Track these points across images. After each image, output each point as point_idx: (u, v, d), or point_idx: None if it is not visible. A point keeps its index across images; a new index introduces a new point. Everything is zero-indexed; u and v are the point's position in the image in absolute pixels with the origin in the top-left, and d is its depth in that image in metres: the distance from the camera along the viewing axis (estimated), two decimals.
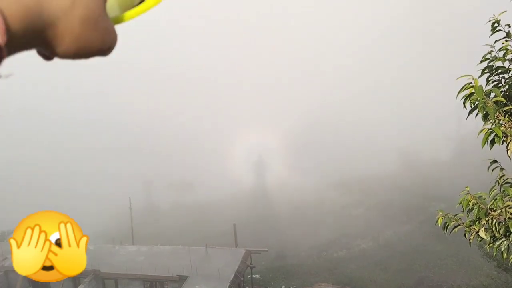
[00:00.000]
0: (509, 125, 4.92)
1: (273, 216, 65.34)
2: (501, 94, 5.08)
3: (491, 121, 4.98)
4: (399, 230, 56.83)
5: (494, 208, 5.91)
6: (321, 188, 74.07)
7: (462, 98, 5.00)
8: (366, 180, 74.92)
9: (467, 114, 5.17)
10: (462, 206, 6.05)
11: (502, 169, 6.14)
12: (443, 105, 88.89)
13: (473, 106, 5.01)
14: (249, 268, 34.50)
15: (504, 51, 5.55)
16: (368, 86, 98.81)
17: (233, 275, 30.96)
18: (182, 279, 31.04)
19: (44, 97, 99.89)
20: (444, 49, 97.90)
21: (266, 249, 36.74)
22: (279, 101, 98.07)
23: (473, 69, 5.65)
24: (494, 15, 5.52)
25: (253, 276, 36.67)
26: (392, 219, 60.05)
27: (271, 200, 72.76)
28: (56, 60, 0.73)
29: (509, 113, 5.20)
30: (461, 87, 4.88)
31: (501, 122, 4.96)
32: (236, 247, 36.64)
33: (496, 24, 5.50)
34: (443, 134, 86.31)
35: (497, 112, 4.89)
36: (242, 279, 32.72)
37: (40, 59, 0.73)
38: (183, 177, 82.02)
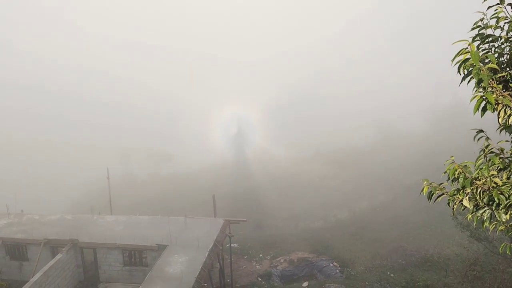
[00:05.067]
0: (501, 93, 4.87)
1: (252, 187, 65.75)
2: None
3: (481, 88, 4.91)
4: (375, 201, 58.00)
5: (479, 177, 5.93)
6: (299, 161, 74.66)
7: (457, 63, 4.91)
8: (344, 152, 75.76)
9: (460, 81, 5.09)
10: (448, 175, 6.04)
11: (487, 138, 6.15)
12: (423, 78, 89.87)
13: (466, 72, 4.92)
14: (228, 237, 34.78)
15: (496, 18, 5.45)
16: (348, 59, 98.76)
17: (212, 244, 31.18)
18: (161, 248, 31.11)
19: (20, 69, 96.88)
20: (431, 22, 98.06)
21: (245, 219, 37.01)
22: (259, 74, 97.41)
23: (463, 37, 5.54)
24: None
25: (231, 245, 37.02)
26: (368, 190, 61.16)
27: (250, 171, 73.07)
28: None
29: (499, 81, 5.15)
30: (457, 52, 4.77)
31: (493, 89, 4.90)
32: (215, 217, 36.80)
33: None
34: (420, 107, 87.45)
35: (490, 79, 4.82)
36: (221, 248, 33.00)
37: None
38: (162, 148, 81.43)
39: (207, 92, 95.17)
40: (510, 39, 5.58)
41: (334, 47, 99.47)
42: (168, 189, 67.89)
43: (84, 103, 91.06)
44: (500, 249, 6.99)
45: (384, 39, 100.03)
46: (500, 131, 5.72)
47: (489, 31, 5.63)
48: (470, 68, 4.83)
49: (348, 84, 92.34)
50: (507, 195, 5.56)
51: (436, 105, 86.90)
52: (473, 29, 5.72)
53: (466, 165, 6.15)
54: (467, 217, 6.39)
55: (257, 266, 40.83)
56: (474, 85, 4.98)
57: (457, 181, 6.08)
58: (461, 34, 5.73)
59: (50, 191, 61.84)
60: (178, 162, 76.45)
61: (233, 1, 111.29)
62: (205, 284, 27.72)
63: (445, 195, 6.33)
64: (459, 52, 4.83)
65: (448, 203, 6.33)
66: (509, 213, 5.65)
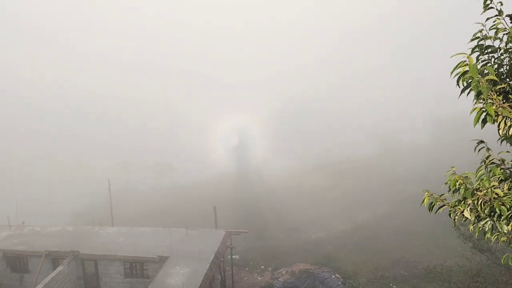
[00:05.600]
0: (500, 104, 4.89)
1: (253, 198, 65.60)
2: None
3: (481, 100, 4.93)
4: (377, 212, 57.78)
5: (480, 188, 5.93)
6: (300, 172, 74.58)
7: (456, 75, 4.94)
8: (345, 163, 75.70)
9: (460, 93, 5.12)
10: (449, 186, 6.05)
11: (488, 149, 6.16)
12: (424, 88, 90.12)
13: (465, 85, 4.95)
14: (229, 249, 34.64)
15: (495, 29, 5.49)
16: (349, 73, 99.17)
17: (213, 255, 31.04)
18: (162, 259, 30.99)
19: (22, 86, 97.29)
20: (431, 35, 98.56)
21: (246, 231, 36.90)
22: (261, 86, 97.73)
23: (461, 50, 5.58)
24: None
25: (233, 256, 36.86)
26: (370, 201, 60.98)
27: (251, 183, 72.97)
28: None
29: (498, 92, 5.17)
30: (456, 65, 4.80)
31: (492, 101, 4.92)
32: (216, 228, 36.67)
33: (488, 1, 5.43)
34: (421, 118, 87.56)
35: (490, 91, 4.84)
36: (222, 259, 32.87)
37: None
38: (162, 160, 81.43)
39: (208, 105, 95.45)
40: (509, 50, 5.62)
41: (335, 61, 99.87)
42: (169, 201, 67.73)
43: (83, 118, 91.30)
44: (502, 260, 6.97)
45: (385, 52, 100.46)
46: (501, 142, 5.73)
47: (488, 42, 5.68)
48: (469, 80, 4.86)
49: (348, 97, 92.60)
50: (508, 206, 5.56)
51: (437, 116, 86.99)
52: (472, 40, 5.76)
53: (467, 176, 6.15)
54: (469, 228, 6.37)
55: (259, 278, 40.60)
56: (473, 97, 5.01)
57: (458, 192, 6.08)
58: (461, 45, 5.77)
59: (52, 203, 61.72)
60: (179, 173, 76.37)
61: (235, 14, 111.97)
62: None
63: (446, 206, 6.33)
64: (457, 65, 4.87)
65: (449, 214, 6.32)
66: (510, 224, 5.64)
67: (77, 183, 68.75)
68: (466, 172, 6.14)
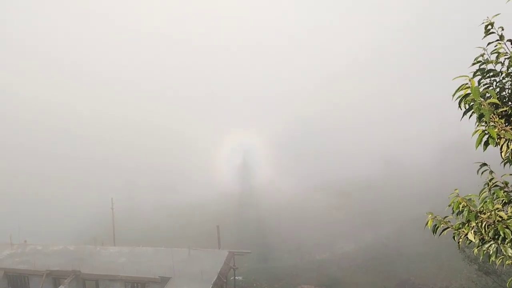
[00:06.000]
0: (503, 127, 4.92)
1: (257, 218, 65.27)
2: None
3: (483, 122, 4.96)
4: (381, 232, 57.30)
5: (484, 211, 5.91)
6: (304, 191, 74.30)
7: (457, 98, 4.98)
8: (349, 183, 75.40)
9: (462, 115, 5.15)
10: (452, 208, 6.03)
11: (491, 172, 6.16)
12: (427, 112, 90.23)
13: (467, 107, 4.99)
14: (232, 269, 34.33)
15: (497, 54, 5.56)
16: (356, 91, 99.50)
17: (216, 276, 30.75)
18: (164, 280, 30.70)
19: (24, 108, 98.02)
20: (434, 56, 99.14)
21: (249, 251, 36.61)
22: (265, 104, 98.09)
23: (465, 73, 5.64)
24: (487, 17, 5.53)
25: (236, 277, 36.50)
26: (374, 221, 60.53)
27: (255, 202, 72.69)
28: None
29: (501, 115, 5.20)
30: (457, 87, 4.85)
31: (494, 123, 4.95)
32: (219, 248, 36.41)
33: (489, 27, 5.51)
34: (425, 139, 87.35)
35: (492, 114, 4.88)
36: (225, 281, 32.54)
37: None
38: (165, 178, 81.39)
39: (213, 124, 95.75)
40: (511, 74, 5.67)
41: (341, 84, 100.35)
42: (172, 219, 67.49)
43: (88, 139, 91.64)
44: (507, 283, 6.89)
45: (390, 75, 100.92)
46: (504, 165, 5.73)
47: (490, 66, 5.73)
48: (471, 103, 4.90)
49: (353, 119, 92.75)
50: None
51: (441, 137, 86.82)
52: (474, 64, 5.82)
53: (470, 198, 6.14)
54: (474, 251, 6.33)
55: None
56: (475, 120, 5.04)
57: (461, 214, 6.05)
58: (463, 69, 5.84)
59: (54, 222, 61.63)
60: (183, 193, 76.25)
61: (241, 33, 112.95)
62: None
63: (450, 228, 6.30)
64: (459, 88, 4.91)
65: (453, 237, 6.28)
66: None
67: (81, 202, 68.76)
68: (470, 195, 6.12)
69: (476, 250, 6.23)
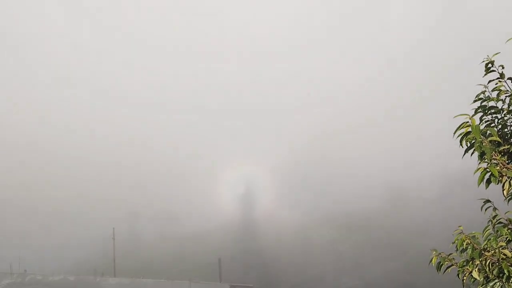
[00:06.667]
0: (504, 165, 4.92)
1: (259, 249, 64.46)
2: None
3: (486, 160, 4.98)
4: (386, 267, 56.30)
5: (488, 249, 5.85)
6: (308, 223, 73.61)
7: (458, 136, 5.02)
8: (353, 215, 74.66)
9: (463, 153, 5.17)
10: (456, 246, 5.98)
11: (495, 209, 6.13)
12: (433, 143, 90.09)
13: (469, 145, 5.02)
14: None
15: (498, 91, 5.63)
16: (359, 122, 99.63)
17: None
18: None
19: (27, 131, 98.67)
20: (439, 88, 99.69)
21: (251, 285, 36.04)
22: (268, 134, 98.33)
23: (467, 109, 5.70)
24: (488, 56, 5.63)
25: None
26: (379, 255, 59.58)
27: (257, 233, 71.97)
28: None
29: (503, 153, 5.22)
30: (458, 125, 4.89)
31: (496, 161, 4.96)
32: (220, 281, 35.87)
33: (490, 65, 5.60)
34: (431, 172, 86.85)
35: (493, 152, 4.90)
36: None
37: None
38: (168, 208, 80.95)
39: (215, 152, 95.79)
40: None
41: (344, 109, 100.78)
42: (174, 250, 66.77)
43: (88, 164, 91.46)
44: None
45: (395, 104, 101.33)
46: (508, 201, 5.71)
47: (491, 103, 5.79)
48: (473, 141, 4.93)
49: (357, 148, 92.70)
50: None
51: (445, 172, 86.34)
52: (475, 101, 5.88)
53: (474, 236, 6.09)
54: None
55: None
56: (477, 157, 5.06)
57: (465, 252, 6.00)
58: (464, 104, 5.91)
59: (55, 252, 61.09)
60: (185, 223, 75.70)
61: (241, 53, 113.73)
62: None
63: (454, 266, 6.22)
64: (460, 126, 4.96)
65: (458, 275, 6.20)
66: None
67: (82, 233, 68.28)
68: (474, 232, 6.08)
69: (481, 287, 6.14)
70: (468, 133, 4.94)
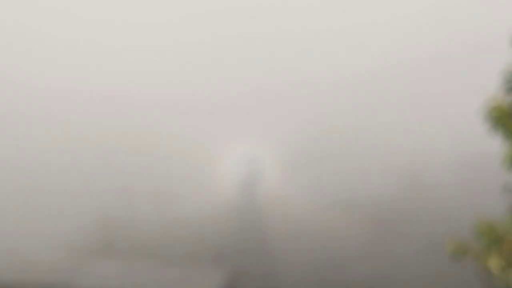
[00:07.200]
0: None
1: (264, 234, 65.00)
2: None
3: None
4: (400, 252, 56.58)
5: (507, 237, 5.80)
6: (316, 206, 74.02)
7: (487, 115, 4.87)
8: (365, 199, 74.91)
9: (488, 132, 5.03)
10: (475, 233, 5.91)
11: None
12: (454, 125, 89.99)
13: (494, 123, 4.86)
14: None
15: None
16: (374, 98, 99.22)
17: None
18: None
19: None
20: (460, 68, 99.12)
21: (254, 273, 36.20)
22: (275, 108, 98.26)
23: (491, 89, 5.51)
24: None
25: None
26: (393, 241, 59.85)
27: (262, 215, 72.52)
28: None
29: None
30: (487, 106, 4.74)
31: None
32: (220, 267, 36.01)
33: None
34: (449, 157, 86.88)
35: None
36: None
37: None
38: (165, 188, 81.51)
39: (216, 129, 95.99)
40: None
41: (360, 88, 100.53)
42: (172, 233, 67.51)
43: (85, 144, 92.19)
44: None
45: (415, 83, 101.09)
46: None
47: None
48: (498, 120, 4.77)
49: (373, 127, 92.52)
50: None
51: (466, 155, 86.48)
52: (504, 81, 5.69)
53: (492, 224, 6.01)
54: (496, 277, 6.20)
55: None
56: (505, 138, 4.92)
57: (484, 239, 5.92)
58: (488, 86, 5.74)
59: (41, 231, 61.86)
60: (183, 204, 76.42)
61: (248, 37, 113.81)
62: None
63: (472, 254, 6.17)
64: (488, 104, 4.78)
65: (475, 262, 6.15)
66: None
67: (70, 210, 68.92)
68: (492, 220, 5.99)
69: (498, 275, 6.08)
70: (499, 113, 4.76)
